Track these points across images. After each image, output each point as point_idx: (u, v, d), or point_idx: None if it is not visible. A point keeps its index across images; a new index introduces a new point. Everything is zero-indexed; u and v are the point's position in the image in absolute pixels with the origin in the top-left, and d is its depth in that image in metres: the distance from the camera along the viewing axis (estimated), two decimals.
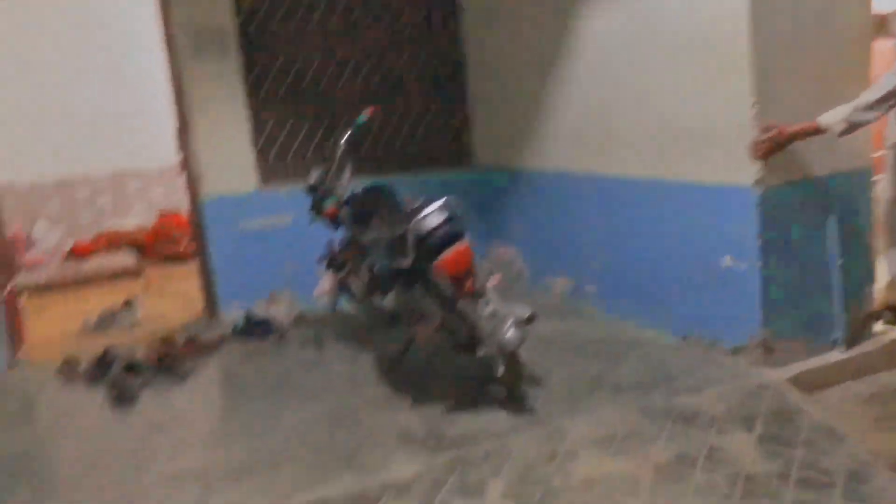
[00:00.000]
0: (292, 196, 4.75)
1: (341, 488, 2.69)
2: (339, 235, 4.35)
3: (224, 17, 4.55)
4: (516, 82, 4.89)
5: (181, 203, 8.47)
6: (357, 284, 4.45)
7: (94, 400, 3.81)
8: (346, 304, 4.80)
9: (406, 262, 3.21)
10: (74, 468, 3.09)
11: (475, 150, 5.43)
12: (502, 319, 3.09)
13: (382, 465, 2.84)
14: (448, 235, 3.15)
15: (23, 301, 5.10)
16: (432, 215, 3.18)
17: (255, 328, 4.60)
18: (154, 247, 7.38)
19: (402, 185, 4.42)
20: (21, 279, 5.50)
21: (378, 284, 4.14)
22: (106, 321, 5.10)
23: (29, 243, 7.28)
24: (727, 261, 3.49)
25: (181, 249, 7.31)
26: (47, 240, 7.44)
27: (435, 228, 3.14)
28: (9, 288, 4.61)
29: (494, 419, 3.13)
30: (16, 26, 7.18)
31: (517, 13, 4.74)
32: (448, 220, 3.19)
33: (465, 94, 5.36)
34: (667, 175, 3.75)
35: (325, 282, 4.93)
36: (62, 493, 2.89)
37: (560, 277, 4.72)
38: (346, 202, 4.03)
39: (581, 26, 4.18)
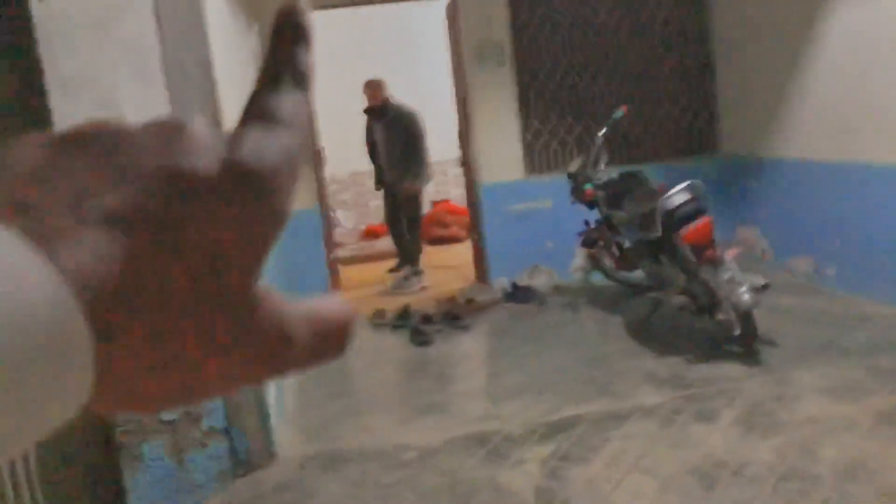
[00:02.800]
0: (553, 184, 5.55)
1: (597, 407, 3.42)
2: (594, 216, 5.06)
3: (502, 33, 5.45)
4: (762, 75, 5.26)
5: (450, 193, 9.73)
6: (608, 260, 5.15)
7: (399, 342, 4.88)
8: (597, 279, 5.52)
9: (655, 234, 3.84)
10: (394, 384, 4.14)
11: (722, 140, 5.84)
12: (738, 284, 3.61)
13: (631, 395, 3.52)
14: (692, 211, 3.73)
15: (338, 268, 6.43)
16: (678, 194, 3.79)
17: (519, 294, 5.46)
18: (429, 230, 8.61)
19: (653, 172, 5.02)
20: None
21: (627, 259, 4.81)
22: (399, 286, 6.27)
23: (333, 224, 8.86)
24: None
25: (451, 233, 8.48)
26: (346, 222, 9.00)
27: (680, 205, 3.75)
28: (331, 256, 5.91)
29: (730, 368, 3.68)
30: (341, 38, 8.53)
31: (765, 9, 5.12)
32: (692, 199, 3.77)
33: (714, 88, 5.80)
34: None
35: (579, 258, 5.68)
36: (386, 400, 3.92)
37: (801, 258, 5.03)
38: (603, 186, 4.72)
39: (830, 20, 4.50)
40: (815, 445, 2.97)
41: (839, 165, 4.59)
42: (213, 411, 3.09)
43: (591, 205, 4.88)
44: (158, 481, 2.99)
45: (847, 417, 3.11)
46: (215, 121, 3.06)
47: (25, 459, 2.91)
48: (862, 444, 2.95)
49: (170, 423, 3.02)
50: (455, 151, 6.53)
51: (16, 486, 2.93)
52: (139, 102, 2.98)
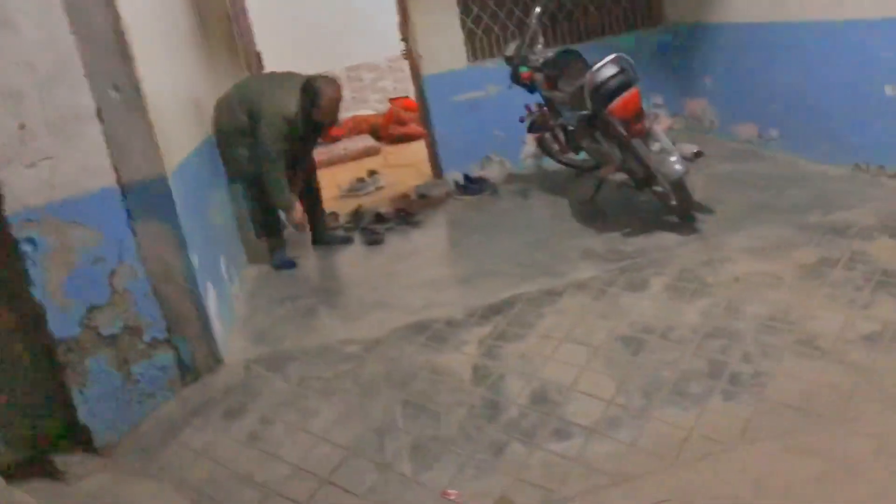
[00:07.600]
0: (497, 70, 5.43)
1: (536, 286, 3.49)
2: (535, 100, 4.99)
3: None
4: None
5: (409, 90, 9.53)
6: (554, 143, 5.12)
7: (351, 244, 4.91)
8: (548, 164, 5.51)
9: (585, 111, 3.81)
10: (342, 284, 4.21)
11: (666, 9, 5.72)
12: (668, 154, 3.62)
13: (568, 272, 3.59)
14: (620, 84, 3.69)
15: None
16: (605, 68, 3.73)
17: (472, 185, 5.45)
18: (387, 129, 8.50)
19: (597, 50, 4.90)
20: None
21: (571, 140, 4.79)
22: (355, 187, 6.26)
23: None
24: (889, 90, 3.70)
25: (410, 130, 8.37)
26: None
27: (608, 79, 3.70)
28: None
29: (665, 238, 3.74)
30: None
31: None
32: (620, 72, 3.72)
33: None
34: (838, 15, 3.95)
35: (530, 145, 5.65)
36: (333, 300, 3.98)
37: (746, 124, 5.02)
38: (540, 68, 4.64)
39: None
40: (739, 303, 3.06)
41: (776, 26, 4.51)
42: (153, 324, 3.15)
43: (531, 88, 4.82)
44: (107, 394, 3.07)
45: (771, 273, 3.20)
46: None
47: None
48: (784, 297, 3.05)
49: (110, 337, 3.07)
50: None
51: None
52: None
